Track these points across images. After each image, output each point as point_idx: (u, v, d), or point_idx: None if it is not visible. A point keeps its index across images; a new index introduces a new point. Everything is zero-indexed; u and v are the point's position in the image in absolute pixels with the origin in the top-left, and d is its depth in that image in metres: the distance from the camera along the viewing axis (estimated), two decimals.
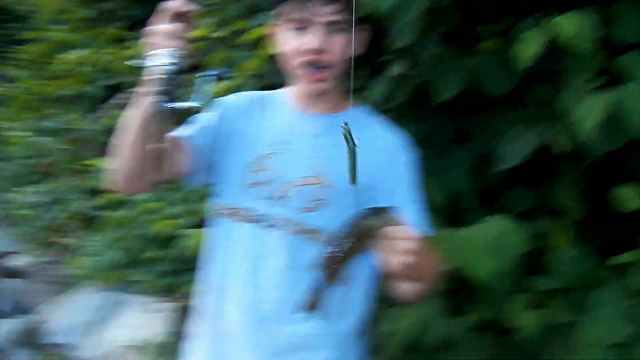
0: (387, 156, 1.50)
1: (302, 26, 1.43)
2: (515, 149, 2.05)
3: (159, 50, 1.28)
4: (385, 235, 1.22)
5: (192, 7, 1.32)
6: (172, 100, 1.26)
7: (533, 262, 2.14)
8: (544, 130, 2.02)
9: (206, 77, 1.38)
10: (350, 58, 1.44)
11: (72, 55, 5.35)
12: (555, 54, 1.97)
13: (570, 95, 1.93)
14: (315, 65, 1.43)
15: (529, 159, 2.07)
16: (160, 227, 3.24)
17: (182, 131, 1.49)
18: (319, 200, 1.47)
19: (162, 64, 1.26)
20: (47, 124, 5.56)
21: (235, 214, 1.53)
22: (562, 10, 1.94)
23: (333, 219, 1.40)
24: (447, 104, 2.18)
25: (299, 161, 1.50)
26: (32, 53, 6.95)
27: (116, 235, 3.83)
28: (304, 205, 1.47)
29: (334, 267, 1.29)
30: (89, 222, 4.68)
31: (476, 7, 2.33)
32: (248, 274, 1.51)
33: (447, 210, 2.24)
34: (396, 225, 1.24)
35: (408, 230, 1.23)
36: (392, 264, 1.22)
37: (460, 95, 2.17)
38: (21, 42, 8.73)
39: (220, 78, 1.50)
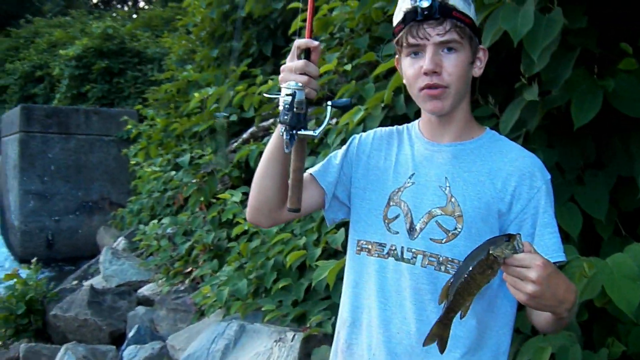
0: (520, 181, 1.44)
1: (417, 50, 1.43)
2: None
3: (289, 83, 1.40)
4: (513, 263, 1.15)
5: (317, 43, 1.44)
6: (300, 129, 1.40)
7: None
8: None
9: (332, 107, 1.49)
10: (474, 80, 1.45)
11: (203, 92, 5.64)
12: None
13: None
14: (432, 86, 1.42)
15: None
16: (291, 258, 3.30)
17: (317, 168, 1.62)
18: (451, 231, 1.44)
19: (290, 96, 1.39)
20: (180, 159, 5.87)
21: (369, 249, 1.55)
22: None
23: (467, 248, 1.35)
24: (584, 128, 2.11)
25: (429, 192, 1.48)
26: (166, 92, 7.38)
27: (246, 266, 3.94)
28: (437, 237, 1.45)
29: (459, 297, 1.21)
30: (219, 253, 4.86)
31: (612, 26, 2.26)
32: (380, 310, 1.50)
33: (585, 238, 2.15)
34: (525, 252, 1.16)
35: (537, 258, 1.16)
36: (519, 294, 1.17)
37: (598, 118, 2.09)
38: (155, 82, 9.34)
39: (344, 108, 1.54)
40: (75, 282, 6.89)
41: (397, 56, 1.54)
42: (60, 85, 14.11)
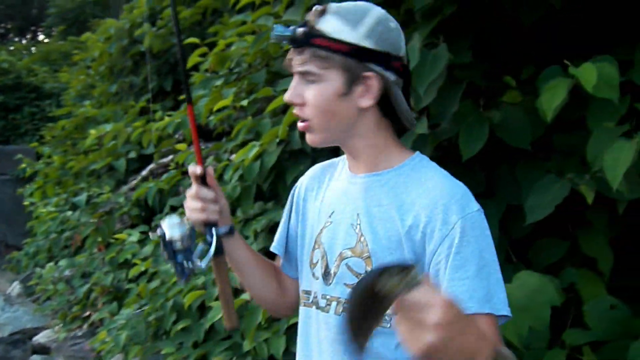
0: (432, 216, 1.21)
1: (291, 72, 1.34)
2: (544, 199, 2.01)
3: (163, 223, 1.41)
4: (406, 304, 0.86)
5: (204, 169, 1.42)
6: (187, 261, 1.40)
7: (564, 315, 2.07)
8: (572, 180, 1.98)
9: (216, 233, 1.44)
10: (358, 109, 1.30)
11: (101, 129, 5.48)
12: (579, 101, 1.95)
13: (597, 143, 1.89)
14: (300, 117, 1.33)
15: (557, 209, 2.03)
16: (190, 298, 3.20)
17: (275, 245, 1.56)
18: (361, 274, 1.29)
19: (172, 234, 1.40)
20: (76, 198, 5.65)
21: (302, 298, 1.45)
22: (581, 56, 1.94)
23: None
24: (473, 158, 2.16)
25: (342, 232, 1.34)
26: (62, 129, 7.14)
27: (146, 308, 3.80)
28: (350, 281, 1.31)
29: (353, 336, 0.97)
30: (118, 295, 4.68)
31: (496, 59, 2.34)
32: None
33: None
34: (425, 289, 0.87)
35: (438, 296, 0.86)
36: (413, 345, 0.86)
37: (486, 149, 2.15)
38: (53, 119, 9.02)
39: (226, 234, 1.47)
40: None
41: None
42: None
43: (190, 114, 1.54)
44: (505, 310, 1.19)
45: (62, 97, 10.48)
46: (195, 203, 1.40)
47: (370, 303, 0.90)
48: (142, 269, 3.92)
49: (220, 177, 3.71)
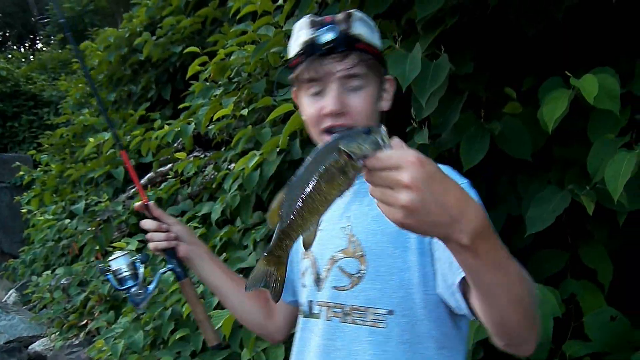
0: None
1: (318, 87, 1.28)
2: (545, 211, 2.01)
3: (118, 254, 1.56)
4: (376, 165, 0.80)
5: (143, 204, 1.57)
6: (130, 290, 1.55)
7: (565, 327, 2.06)
8: (573, 191, 1.98)
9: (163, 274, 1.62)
10: (380, 113, 1.32)
11: (99, 137, 5.48)
12: (580, 112, 1.96)
13: (598, 154, 1.90)
14: (336, 130, 1.26)
15: (557, 220, 2.03)
16: (188, 307, 3.19)
17: None
18: (354, 274, 1.28)
19: (118, 265, 1.56)
20: (74, 206, 5.63)
21: (299, 310, 1.44)
22: (581, 68, 1.94)
23: (376, 291, 1.24)
24: (474, 169, 2.16)
25: (332, 237, 1.34)
26: (61, 137, 7.13)
27: (143, 317, 3.78)
28: (341, 284, 1.29)
29: (298, 218, 0.87)
30: (115, 304, 4.65)
31: (497, 70, 2.35)
32: None
33: None
34: (395, 148, 0.81)
35: (409, 153, 0.79)
36: (391, 211, 0.80)
37: (487, 160, 2.15)
38: (51, 127, 9.00)
39: (178, 276, 1.61)
40: None
41: (294, 89, 1.39)
42: None
43: (125, 159, 1.72)
44: None
45: (60, 106, 10.47)
46: (148, 235, 1.54)
47: (332, 169, 0.81)
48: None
49: (219, 186, 3.71)
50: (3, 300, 6.78)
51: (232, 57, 3.71)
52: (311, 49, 1.26)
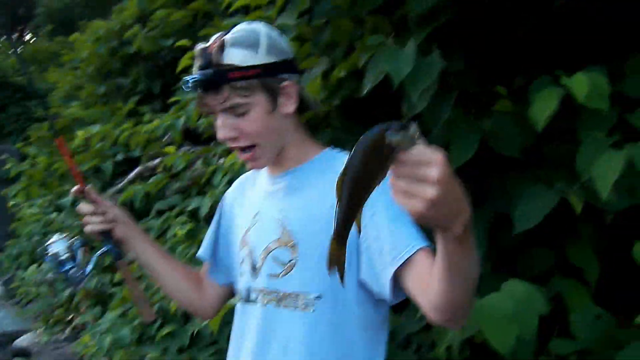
0: None
1: (213, 113, 1.40)
2: (533, 209, 2.01)
3: (56, 237, 1.64)
4: (408, 159, 0.85)
5: (80, 188, 1.62)
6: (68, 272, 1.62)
7: (550, 325, 2.07)
8: (561, 189, 1.98)
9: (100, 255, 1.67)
10: (285, 116, 1.42)
11: (88, 130, 5.44)
12: (569, 111, 1.96)
13: (587, 153, 1.90)
14: (240, 148, 1.41)
15: (546, 218, 2.03)
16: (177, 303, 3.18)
17: (200, 252, 1.71)
18: (287, 263, 1.40)
19: (57, 248, 1.62)
20: (62, 200, 5.60)
21: (237, 297, 1.57)
22: (572, 66, 1.95)
23: (306, 279, 1.37)
24: (463, 166, 2.16)
25: (267, 228, 1.46)
26: (49, 130, 7.07)
27: (130, 312, 3.77)
28: (275, 271, 1.42)
29: (355, 197, 0.92)
30: (102, 299, 4.63)
31: (488, 67, 2.35)
32: (233, 354, 1.53)
33: None
34: (425, 146, 0.86)
35: (437, 152, 0.85)
36: (414, 202, 0.86)
37: (476, 157, 2.15)
38: (38, 119, 8.95)
39: (116, 256, 1.67)
40: None
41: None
42: None
43: (61, 145, 1.74)
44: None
45: (47, 98, 10.40)
46: (84, 218, 1.60)
47: (374, 159, 0.87)
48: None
49: (208, 181, 3.70)
50: None
51: None
52: (194, 86, 1.36)
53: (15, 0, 23.03)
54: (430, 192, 0.83)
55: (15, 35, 22.04)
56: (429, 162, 0.84)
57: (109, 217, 1.60)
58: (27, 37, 23.11)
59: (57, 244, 1.62)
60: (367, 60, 2.30)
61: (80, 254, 1.63)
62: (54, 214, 5.85)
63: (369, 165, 0.88)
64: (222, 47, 1.35)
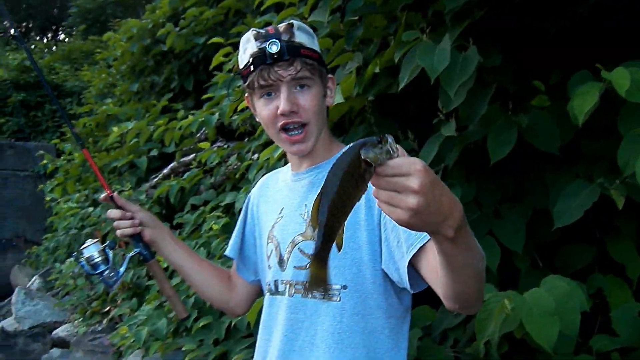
0: None
1: (270, 91, 1.46)
2: (573, 204, 2.00)
3: (88, 242, 1.69)
4: (386, 172, 0.89)
5: (109, 195, 1.69)
6: (102, 274, 1.68)
7: (591, 321, 2.06)
8: (602, 185, 1.97)
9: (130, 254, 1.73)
10: (327, 108, 1.53)
11: (123, 127, 5.51)
12: (609, 106, 1.94)
13: (628, 148, 1.88)
14: (291, 127, 1.46)
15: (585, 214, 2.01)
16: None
17: (228, 250, 1.78)
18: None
19: (90, 252, 1.67)
20: (98, 195, 5.69)
21: (265, 290, 1.62)
22: (607, 62, 1.93)
23: (332, 269, 1.39)
24: (501, 162, 2.15)
25: (292, 222, 1.53)
26: (84, 127, 7.19)
27: (166, 304, 3.81)
28: (301, 263, 1.47)
29: (334, 220, 0.94)
30: (138, 292, 4.70)
31: (525, 63, 2.33)
32: (262, 344, 1.58)
33: (503, 271, 2.17)
34: (404, 156, 0.91)
35: (416, 162, 0.89)
36: (398, 212, 0.90)
37: (514, 153, 2.14)
38: (74, 116, 9.08)
39: (145, 258, 1.74)
40: None
41: (246, 95, 1.57)
42: None
43: (88, 156, 1.87)
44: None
45: (83, 96, 10.55)
46: (115, 224, 1.68)
47: (355, 175, 0.91)
48: (164, 265, 3.93)
49: (242, 176, 3.73)
50: (27, 287, 6.87)
51: None
52: (260, 59, 1.43)
53: (49, 1, 23.37)
54: (412, 201, 0.88)
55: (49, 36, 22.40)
56: (407, 172, 0.88)
57: (137, 220, 1.68)
58: (61, 37, 23.45)
59: (90, 248, 1.68)
60: (402, 55, 2.31)
61: (112, 257, 1.70)
62: (90, 209, 5.94)
63: (345, 186, 0.91)
64: (291, 28, 1.46)
